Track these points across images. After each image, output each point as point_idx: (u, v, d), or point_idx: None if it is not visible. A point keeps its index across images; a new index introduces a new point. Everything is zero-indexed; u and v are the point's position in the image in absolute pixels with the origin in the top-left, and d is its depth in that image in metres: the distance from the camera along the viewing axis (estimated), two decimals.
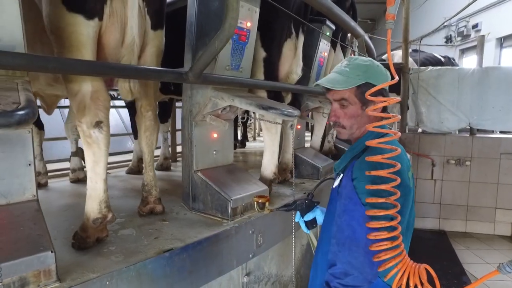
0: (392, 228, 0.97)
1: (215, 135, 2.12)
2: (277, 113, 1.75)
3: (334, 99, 1.21)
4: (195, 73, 1.57)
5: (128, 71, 1.51)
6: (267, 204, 1.47)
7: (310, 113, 3.89)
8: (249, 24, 2.03)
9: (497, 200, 5.02)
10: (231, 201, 1.86)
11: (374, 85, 1.10)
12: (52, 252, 1.15)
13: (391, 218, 0.97)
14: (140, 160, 3.45)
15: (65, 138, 3.70)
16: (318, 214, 1.45)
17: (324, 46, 3.27)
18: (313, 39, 3.08)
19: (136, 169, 3.42)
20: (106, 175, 1.51)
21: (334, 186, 1.26)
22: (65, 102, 3.84)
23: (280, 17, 2.36)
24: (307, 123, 4.91)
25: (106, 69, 1.41)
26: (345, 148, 4.65)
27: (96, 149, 1.46)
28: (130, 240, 1.62)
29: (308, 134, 5.13)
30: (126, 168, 3.52)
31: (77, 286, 1.19)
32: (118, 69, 1.48)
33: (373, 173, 0.98)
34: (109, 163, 2.15)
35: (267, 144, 2.46)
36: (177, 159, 4.30)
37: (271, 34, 2.36)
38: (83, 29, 1.40)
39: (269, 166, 2.46)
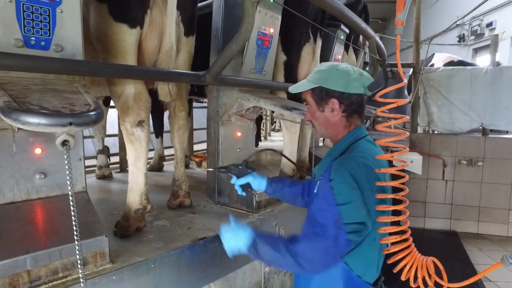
0: (399, 223, 1.06)
1: (239, 134, 2.26)
2: (301, 113, 1.88)
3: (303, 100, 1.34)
4: (212, 75, 1.65)
5: (150, 73, 1.60)
6: (204, 163, 1.58)
7: None
8: (272, 30, 2.17)
9: (511, 202, 5.02)
10: (256, 195, 1.99)
11: (326, 89, 1.21)
12: (106, 236, 1.31)
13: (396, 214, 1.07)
14: (161, 158, 3.60)
15: (90, 137, 3.90)
16: (251, 180, 1.52)
17: (338, 49, 3.37)
18: (329, 43, 3.19)
19: (157, 166, 3.57)
20: (146, 169, 1.66)
21: (315, 191, 1.26)
22: None
23: (299, 23, 2.49)
24: None
25: (130, 71, 1.49)
26: None
27: (138, 146, 1.61)
28: (165, 230, 1.76)
29: None
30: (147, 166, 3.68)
31: (127, 267, 1.34)
32: (141, 71, 1.57)
33: (385, 170, 1.10)
34: None
35: (287, 142, 2.59)
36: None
37: (291, 39, 2.49)
38: (127, 37, 1.55)
39: (288, 163, 2.59)
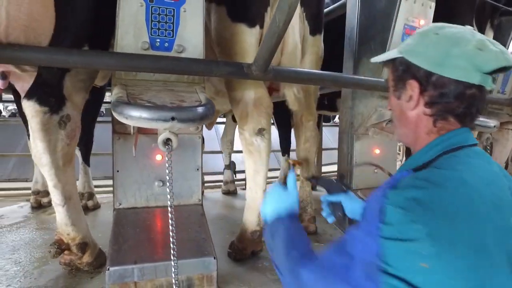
0: None
1: (377, 151, 1.84)
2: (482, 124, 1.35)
3: None
4: (260, 65, 1.19)
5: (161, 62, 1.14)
6: (298, 167, 1.28)
7: None
8: (422, 22, 1.73)
9: None
10: None
11: (407, 62, 0.71)
12: (214, 258, 1.13)
13: None
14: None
15: (218, 152, 4.08)
16: (343, 200, 1.03)
17: None
18: (502, 36, 2.45)
19: None
20: (266, 185, 1.45)
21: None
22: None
23: (460, 11, 1.94)
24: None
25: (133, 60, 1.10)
26: None
27: (257, 157, 1.42)
28: None
29: None
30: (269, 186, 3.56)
31: None
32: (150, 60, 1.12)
33: None
34: None
35: None
36: None
37: None
38: (247, 37, 1.43)
39: None
